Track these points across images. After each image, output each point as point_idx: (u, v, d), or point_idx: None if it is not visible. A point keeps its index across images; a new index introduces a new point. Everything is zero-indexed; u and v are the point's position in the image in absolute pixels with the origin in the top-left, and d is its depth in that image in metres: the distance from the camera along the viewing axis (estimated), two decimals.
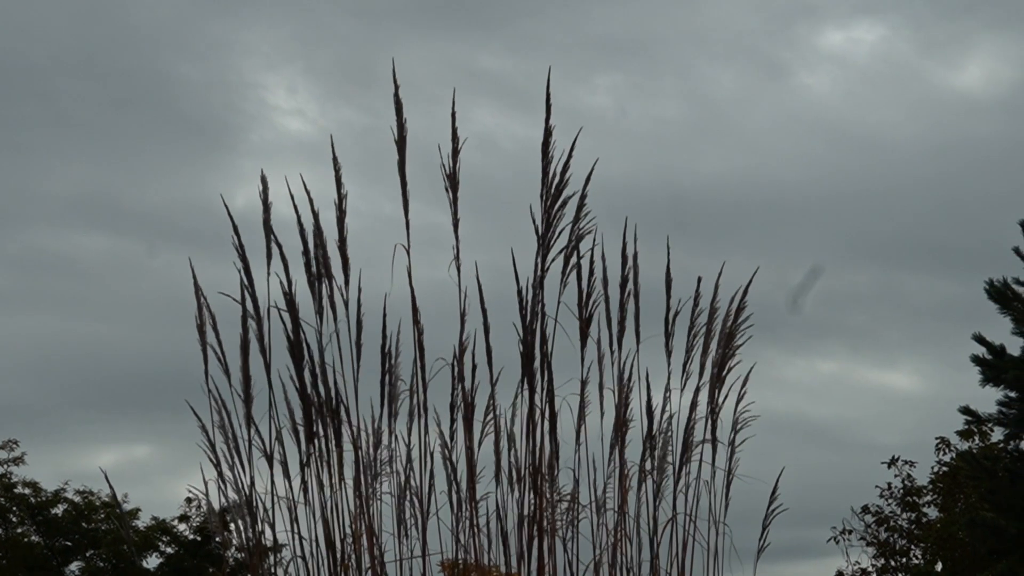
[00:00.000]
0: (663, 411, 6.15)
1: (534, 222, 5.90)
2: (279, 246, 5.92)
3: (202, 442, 5.84)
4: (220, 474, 5.83)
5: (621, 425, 6.08)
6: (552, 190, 5.90)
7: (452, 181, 5.89)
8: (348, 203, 5.90)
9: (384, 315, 5.91)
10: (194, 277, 5.94)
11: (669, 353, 6.16)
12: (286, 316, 5.92)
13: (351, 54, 37.01)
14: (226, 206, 5.91)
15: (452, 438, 5.97)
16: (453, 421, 5.97)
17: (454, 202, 5.91)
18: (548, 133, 5.88)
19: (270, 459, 5.90)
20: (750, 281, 6.26)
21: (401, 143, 5.88)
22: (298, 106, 37.98)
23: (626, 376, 6.11)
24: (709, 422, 6.24)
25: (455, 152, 5.89)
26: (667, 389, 6.17)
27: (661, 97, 36.72)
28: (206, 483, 5.88)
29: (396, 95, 5.88)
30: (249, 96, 37.57)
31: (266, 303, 5.93)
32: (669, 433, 6.17)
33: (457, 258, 5.89)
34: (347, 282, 5.93)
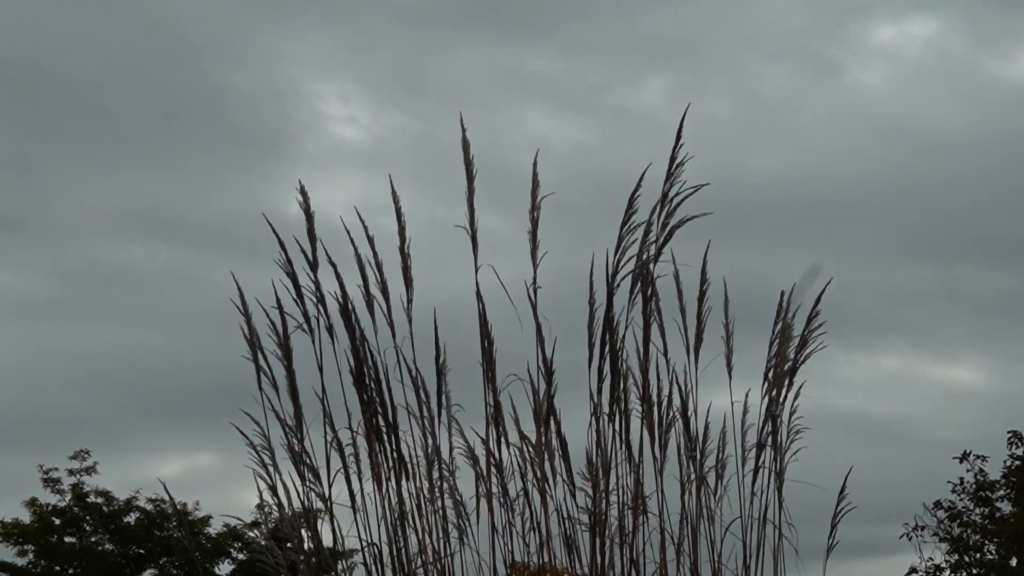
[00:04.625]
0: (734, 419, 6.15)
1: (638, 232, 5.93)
2: (362, 257, 5.95)
3: (254, 459, 5.88)
4: (279, 486, 5.88)
5: (661, 429, 6.08)
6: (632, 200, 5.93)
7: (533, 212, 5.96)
8: (402, 209, 5.95)
9: (435, 325, 5.94)
10: (240, 294, 5.97)
11: (770, 368, 6.16)
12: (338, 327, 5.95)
13: (401, 60, 37.15)
14: (270, 223, 5.89)
15: (498, 443, 6.00)
16: (497, 427, 6.00)
17: (534, 230, 5.98)
18: (673, 161, 5.96)
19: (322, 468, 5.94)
20: (823, 290, 6.21)
21: (469, 178, 5.96)
22: (351, 114, 38.11)
23: (686, 383, 6.11)
24: (770, 425, 6.21)
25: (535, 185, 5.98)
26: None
27: (712, 96, 36.52)
28: (263, 491, 5.91)
29: (464, 136, 5.98)
30: (302, 105, 37.74)
31: (312, 312, 5.96)
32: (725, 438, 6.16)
33: (535, 283, 5.97)
34: (408, 287, 5.97)
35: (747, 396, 6.16)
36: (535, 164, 6.02)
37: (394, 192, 6.03)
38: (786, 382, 6.21)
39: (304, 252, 5.94)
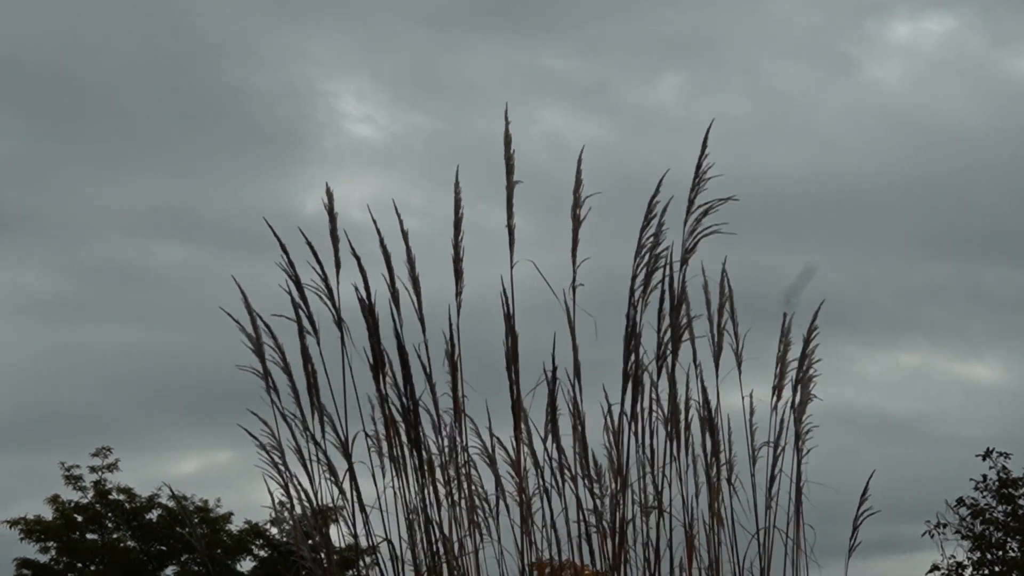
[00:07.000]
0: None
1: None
2: (388, 252, 5.94)
3: (264, 459, 5.89)
4: (294, 488, 5.88)
5: (677, 430, 6.06)
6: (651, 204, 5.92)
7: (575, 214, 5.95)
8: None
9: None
10: (244, 298, 5.99)
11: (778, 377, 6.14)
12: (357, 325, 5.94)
13: (416, 58, 37.16)
14: (270, 226, 5.88)
15: (518, 442, 5.99)
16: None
17: (576, 228, 5.96)
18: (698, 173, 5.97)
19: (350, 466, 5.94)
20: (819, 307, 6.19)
21: (510, 171, 5.93)
22: (367, 112, 38.10)
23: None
24: (781, 425, 6.19)
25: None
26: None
27: (728, 94, 36.40)
28: (271, 494, 5.93)
29: (506, 130, 5.95)
30: (319, 104, 37.76)
31: (335, 313, 5.94)
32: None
33: (573, 284, 5.95)
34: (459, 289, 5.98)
35: (752, 394, 6.15)
36: (579, 161, 5.95)
37: (457, 183, 5.96)
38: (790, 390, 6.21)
39: (338, 249, 5.94)
